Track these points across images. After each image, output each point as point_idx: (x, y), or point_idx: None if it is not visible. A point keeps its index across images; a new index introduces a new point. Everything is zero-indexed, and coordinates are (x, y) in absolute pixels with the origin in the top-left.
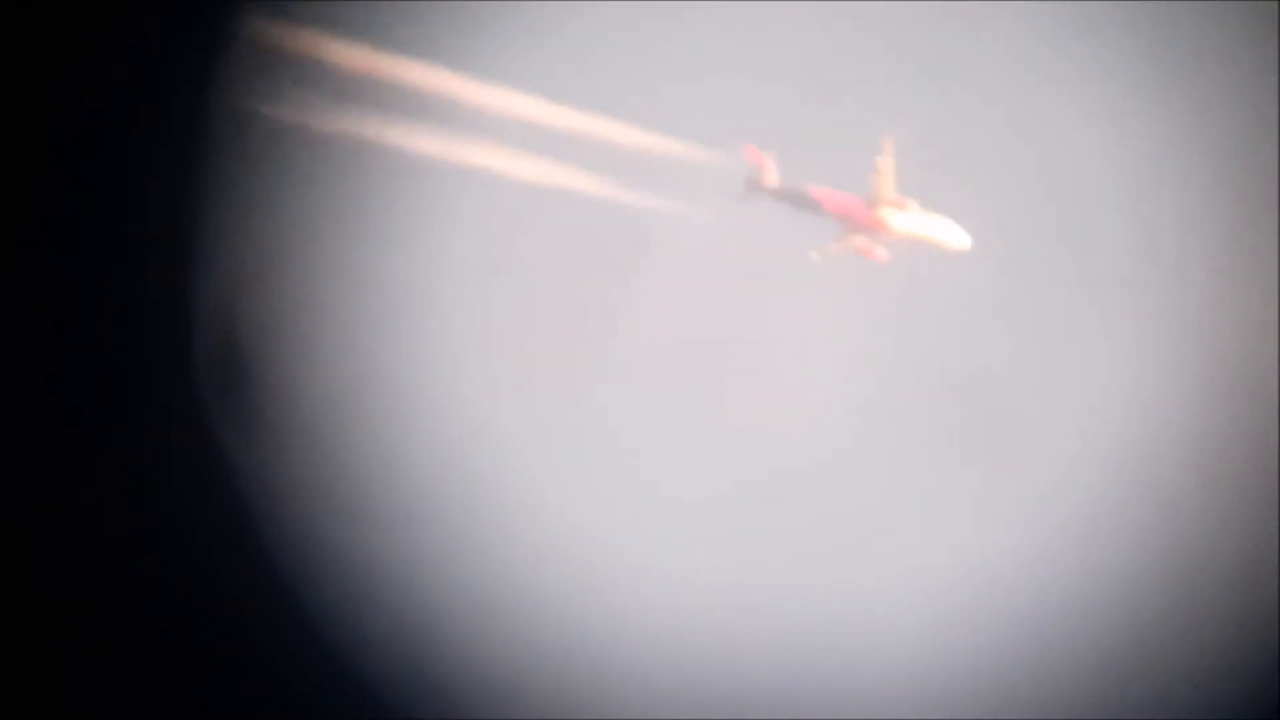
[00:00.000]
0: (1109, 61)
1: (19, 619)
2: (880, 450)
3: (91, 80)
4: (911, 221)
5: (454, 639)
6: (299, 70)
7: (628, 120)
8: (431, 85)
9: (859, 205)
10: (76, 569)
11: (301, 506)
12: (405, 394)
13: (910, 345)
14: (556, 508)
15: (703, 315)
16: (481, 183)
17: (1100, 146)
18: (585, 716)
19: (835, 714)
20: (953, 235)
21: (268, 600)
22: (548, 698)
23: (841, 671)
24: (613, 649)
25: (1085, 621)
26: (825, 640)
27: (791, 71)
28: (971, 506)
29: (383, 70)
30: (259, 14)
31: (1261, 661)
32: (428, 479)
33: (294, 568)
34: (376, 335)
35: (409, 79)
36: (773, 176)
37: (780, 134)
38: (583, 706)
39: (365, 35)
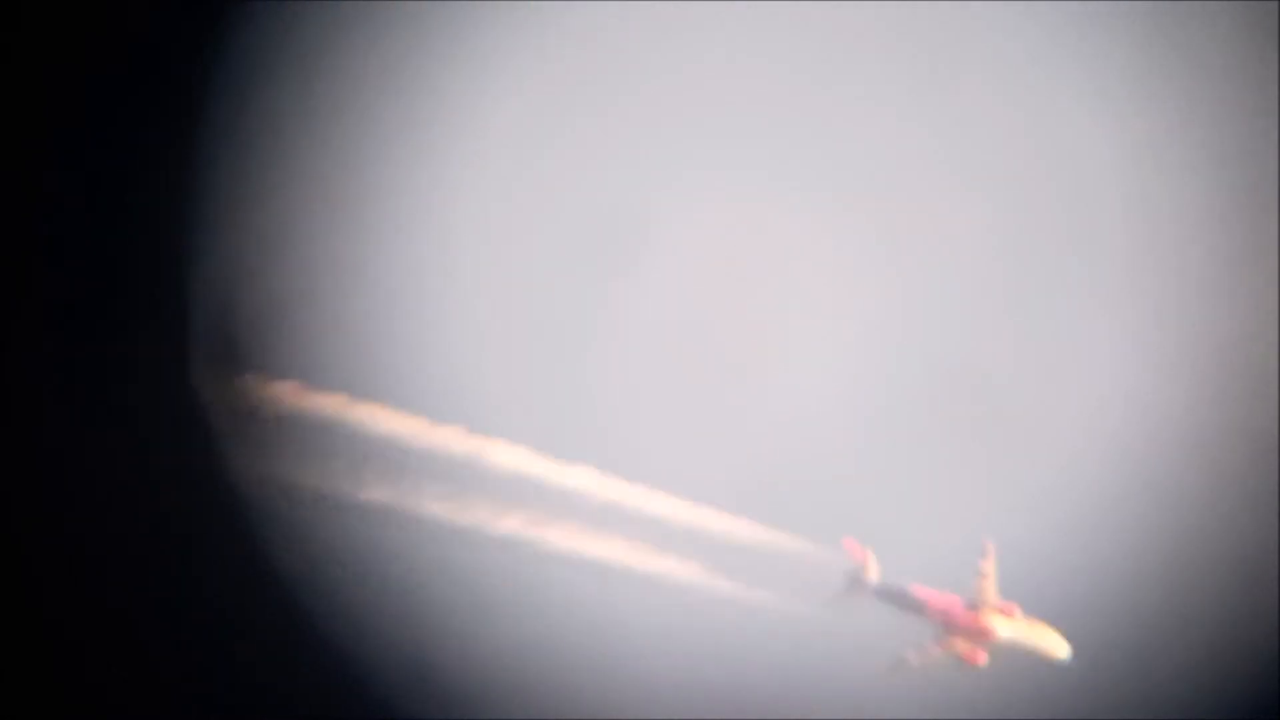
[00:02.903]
0: (1109, 61)
1: (18, 618)
2: (883, 447)
3: (90, 74)
4: (1014, 629)
5: (453, 637)
6: None
7: (726, 510)
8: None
9: (961, 608)
10: (74, 566)
11: (298, 501)
12: (404, 390)
13: (914, 341)
14: (557, 503)
15: None
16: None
17: (1100, 145)
18: (585, 716)
19: (835, 714)
20: (1054, 646)
21: (264, 597)
22: (547, 697)
23: (841, 671)
24: (612, 648)
25: (1085, 620)
26: (825, 639)
27: (892, 469)
28: (972, 504)
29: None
30: None
31: (1262, 661)
32: (427, 476)
33: (290, 564)
34: (374, 328)
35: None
36: (874, 573)
37: (881, 529)
38: (583, 706)
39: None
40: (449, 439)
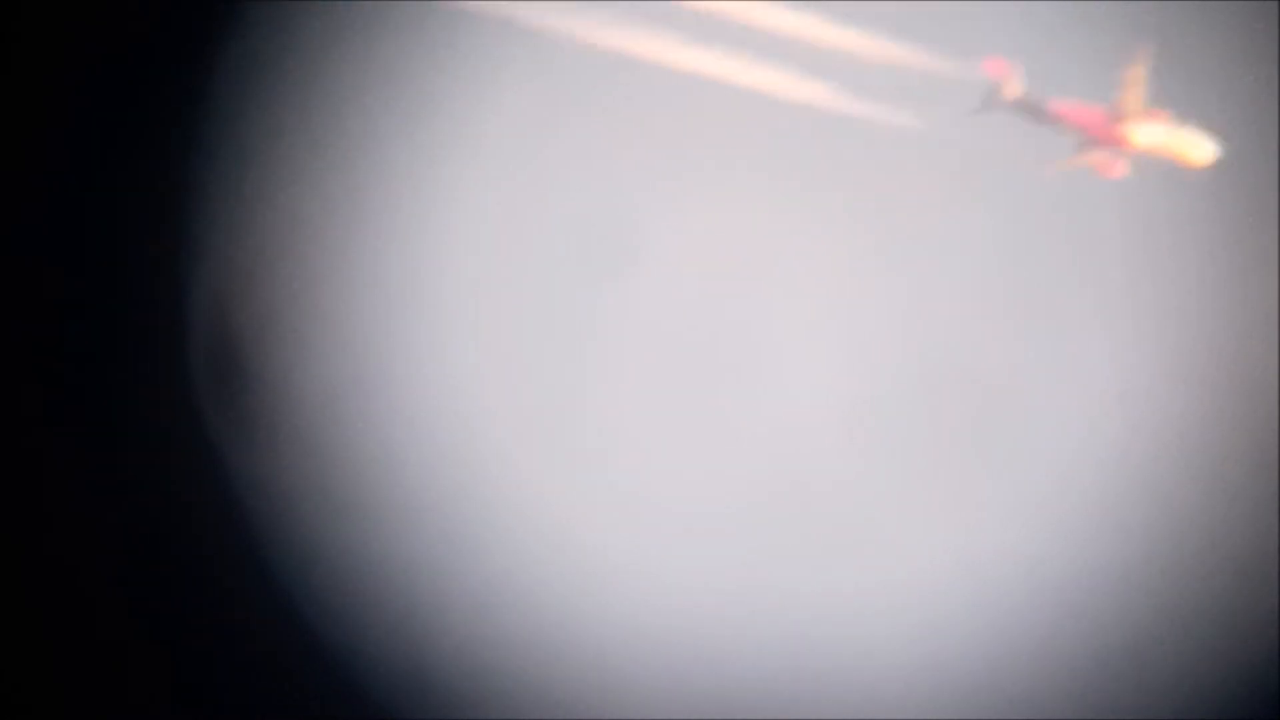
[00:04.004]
0: (1108, 60)
1: (18, 620)
2: (877, 449)
3: (89, 75)
4: (1156, 134)
5: (453, 638)
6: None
7: (857, 25)
8: None
9: (1102, 119)
10: (73, 569)
11: (298, 505)
12: (402, 392)
13: (909, 343)
14: (555, 506)
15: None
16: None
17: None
18: (585, 717)
19: (835, 715)
20: (1199, 147)
21: (265, 600)
22: (547, 698)
23: (840, 673)
24: (611, 649)
25: (1084, 621)
26: (824, 641)
27: (888, 474)
28: (969, 506)
29: None
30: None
31: (1261, 661)
32: (425, 477)
33: (291, 567)
34: (374, 333)
35: None
36: (1015, 89)
37: (1024, 43)
38: (582, 707)
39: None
40: None
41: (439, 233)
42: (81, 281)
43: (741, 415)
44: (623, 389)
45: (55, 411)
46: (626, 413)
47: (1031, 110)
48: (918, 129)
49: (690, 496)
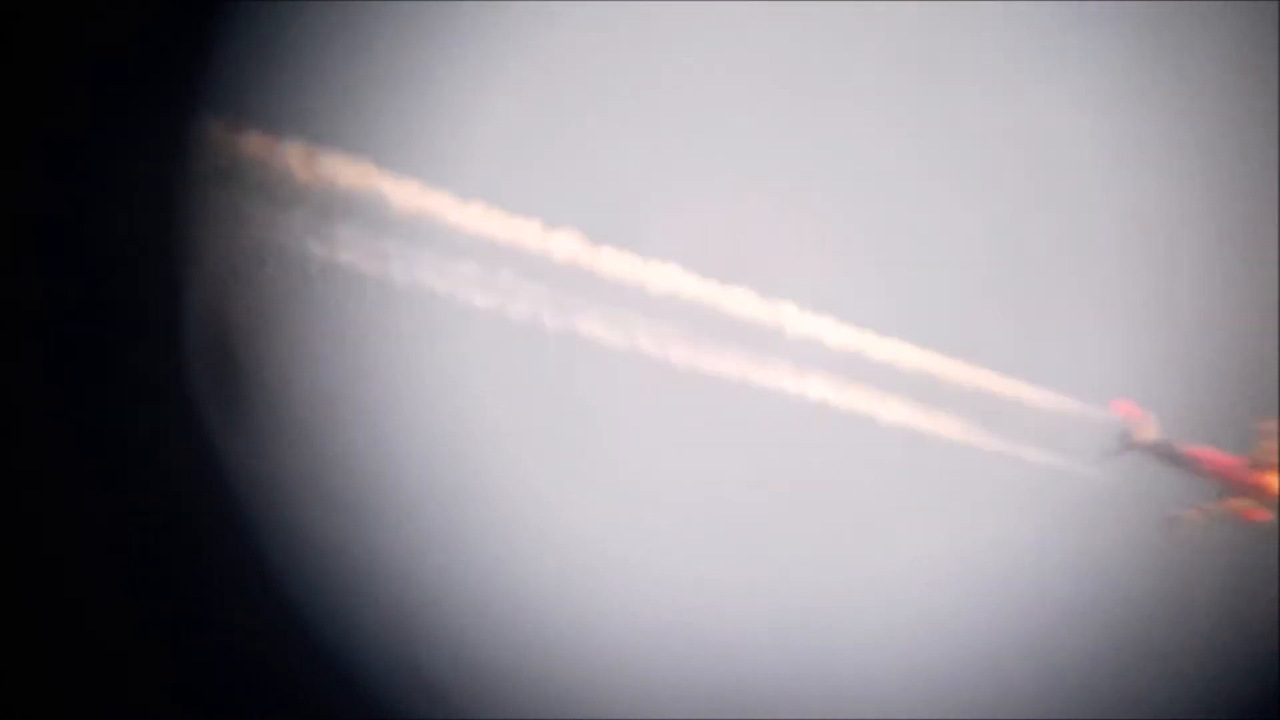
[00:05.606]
0: (1107, 57)
1: (12, 617)
2: (876, 447)
3: (84, 81)
4: None
5: (450, 636)
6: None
7: (998, 368)
8: None
9: (1241, 467)
10: (68, 566)
11: (295, 502)
12: (400, 388)
13: (909, 341)
14: (553, 504)
15: None
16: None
17: (1098, 144)
18: (584, 716)
19: (835, 714)
20: None
21: (260, 597)
22: (545, 697)
23: (840, 672)
24: (610, 647)
25: (1084, 620)
26: (824, 640)
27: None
28: (968, 504)
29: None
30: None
31: (1262, 661)
32: (424, 474)
33: (287, 564)
34: (373, 328)
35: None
36: (1149, 432)
37: (1157, 392)
38: (581, 706)
39: None
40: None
41: (439, 229)
42: (79, 280)
43: (740, 412)
44: (622, 384)
45: (53, 409)
46: (626, 407)
47: (1167, 455)
48: (1052, 468)
49: (689, 493)
